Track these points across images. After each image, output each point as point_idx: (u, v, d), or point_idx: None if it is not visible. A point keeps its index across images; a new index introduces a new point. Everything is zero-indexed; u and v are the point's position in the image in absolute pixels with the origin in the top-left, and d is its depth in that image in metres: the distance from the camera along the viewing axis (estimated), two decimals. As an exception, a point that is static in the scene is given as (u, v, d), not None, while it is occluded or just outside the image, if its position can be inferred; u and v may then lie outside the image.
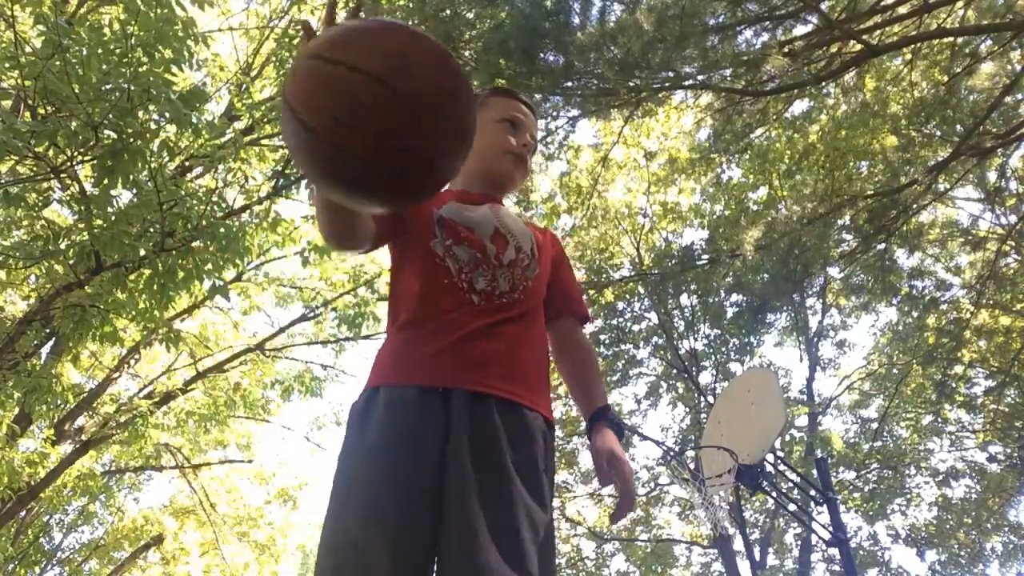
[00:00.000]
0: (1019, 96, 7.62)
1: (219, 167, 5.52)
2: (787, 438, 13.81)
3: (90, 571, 14.33)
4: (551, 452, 1.44)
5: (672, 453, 12.73)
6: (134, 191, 4.74)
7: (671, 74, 6.30)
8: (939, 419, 13.84)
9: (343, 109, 0.94)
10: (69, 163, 4.30)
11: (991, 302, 10.56)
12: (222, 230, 4.93)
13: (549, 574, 1.30)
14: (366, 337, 9.71)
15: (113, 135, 4.18)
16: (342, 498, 1.29)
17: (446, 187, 1.61)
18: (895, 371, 14.26)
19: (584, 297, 1.72)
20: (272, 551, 13.33)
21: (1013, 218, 9.61)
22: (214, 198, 5.32)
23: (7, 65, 4.14)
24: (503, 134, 1.63)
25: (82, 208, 4.51)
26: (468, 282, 1.46)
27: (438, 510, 1.25)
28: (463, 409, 1.34)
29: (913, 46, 7.31)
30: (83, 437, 9.07)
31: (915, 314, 12.11)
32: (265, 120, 6.73)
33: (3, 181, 4.46)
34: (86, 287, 4.80)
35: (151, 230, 4.86)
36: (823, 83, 7.16)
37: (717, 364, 14.24)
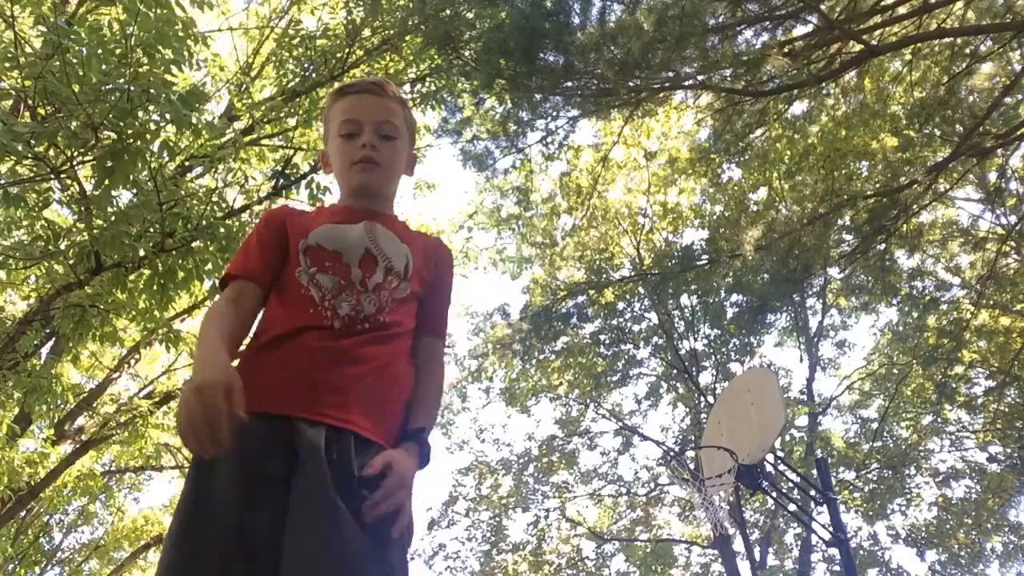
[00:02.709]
0: (1019, 96, 7.62)
1: (219, 167, 5.52)
2: (787, 438, 13.81)
3: (90, 571, 14.33)
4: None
5: (672, 453, 12.74)
6: (134, 191, 4.74)
7: (671, 74, 6.30)
8: (939, 419, 13.85)
9: None
10: (69, 164, 4.31)
11: (991, 302, 10.56)
12: (222, 230, 4.93)
13: None
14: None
15: (113, 135, 4.19)
16: (177, 532, 1.28)
17: (328, 205, 1.67)
18: (895, 371, 14.26)
19: (448, 314, 1.71)
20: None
21: (1013, 218, 9.61)
22: (214, 198, 5.32)
23: (7, 65, 4.14)
24: (345, 147, 1.64)
25: (82, 208, 4.51)
26: (332, 309, 1.45)
27: (278, 544, 1.23)
28: (306, 439, 1.30)
29: (913, 46, 7.31)
30: (83, 437, 9.06)
31: (915, 314, 12.12)
32: (265, 120, 6.73)
33: (3, 181, 4.47)
34: (86, 287, 4.80)
35: (151, 230, 4.86)
36: (823, 83, 7.16)
37: (717, 364, 14.24)
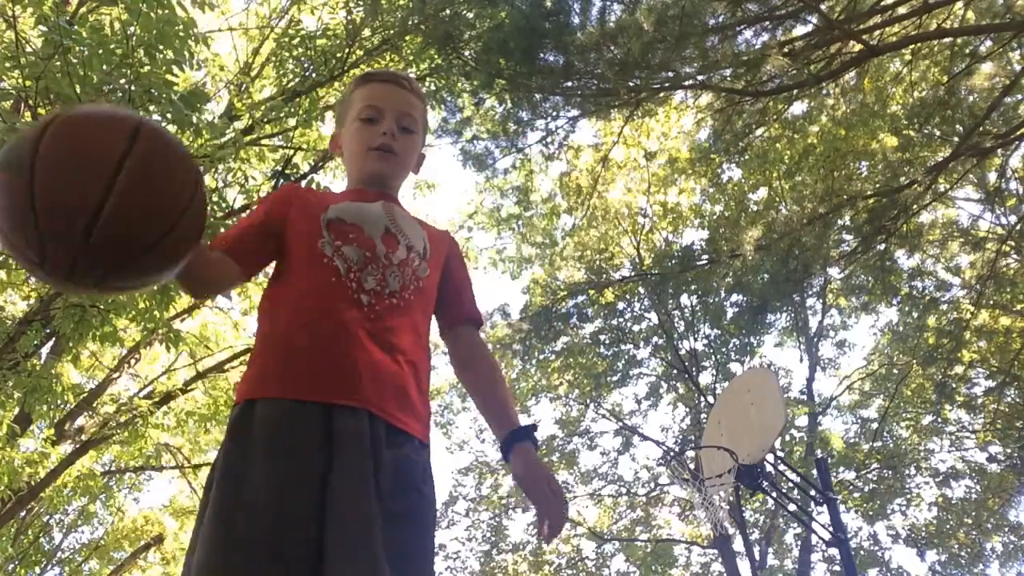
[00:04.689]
0: (1019, 96, 7.62)
1: (219, 167, 5.52)
2: (787, 438, 13.81)
3: (90, 571, 14.33)
4: (428, 471, 1.39)
5: (672, 453, 12.74)
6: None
7: (671, 74, 6.31)
8: (939, 419, 13.85)
9: None
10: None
11: (991, 302, 10.56)
12: (222, 230, 4.93)
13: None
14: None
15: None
16: (218, 523, 1.20)
17: (342, 188, 1.69)
18: (895, 371, 14.26)
19: (476, 299, 1.70)
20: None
21: (1013, 218, 9.62)
22: (214, 198, 5.32)
23: (7, 65, 4.14)
24: (363, 131, 1.62)
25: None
26: (357, 281, 1.42)
27: (320, 531, 1.19)
28: (346, 427, 1.27)
29: (913, 46, 7.31)
30: (83, 437, 9.06)
31: (915, 314, 12.11)
32: (265, 120, 6.74)
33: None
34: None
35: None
36: (823, 83, 7.16)
37: (717, 364, 14.24)
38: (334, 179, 8.36)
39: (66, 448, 8.69)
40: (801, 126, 9.74)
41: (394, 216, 1.56)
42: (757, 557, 13.64)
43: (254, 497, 1.21)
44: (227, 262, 1.45)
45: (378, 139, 1.60)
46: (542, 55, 6.21)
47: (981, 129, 6.89)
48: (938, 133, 7.60)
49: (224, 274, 1.46)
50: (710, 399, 13.07)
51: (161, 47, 4.27)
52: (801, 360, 15.55)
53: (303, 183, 6.52)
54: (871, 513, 14.30)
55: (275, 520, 1.19)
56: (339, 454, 1.25)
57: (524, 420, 1.53)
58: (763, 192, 12.12)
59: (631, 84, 6.11)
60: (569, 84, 6.60)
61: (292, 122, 6.65)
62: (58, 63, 3.91)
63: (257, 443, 1.27)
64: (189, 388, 9.70)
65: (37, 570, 13.36)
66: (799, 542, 14.06)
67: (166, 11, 4.30)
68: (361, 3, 7.09)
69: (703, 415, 13.11)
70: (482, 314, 1.69)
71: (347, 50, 7.08)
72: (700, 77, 6.40)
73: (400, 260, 1.48)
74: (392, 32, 7.21)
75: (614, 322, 13.95)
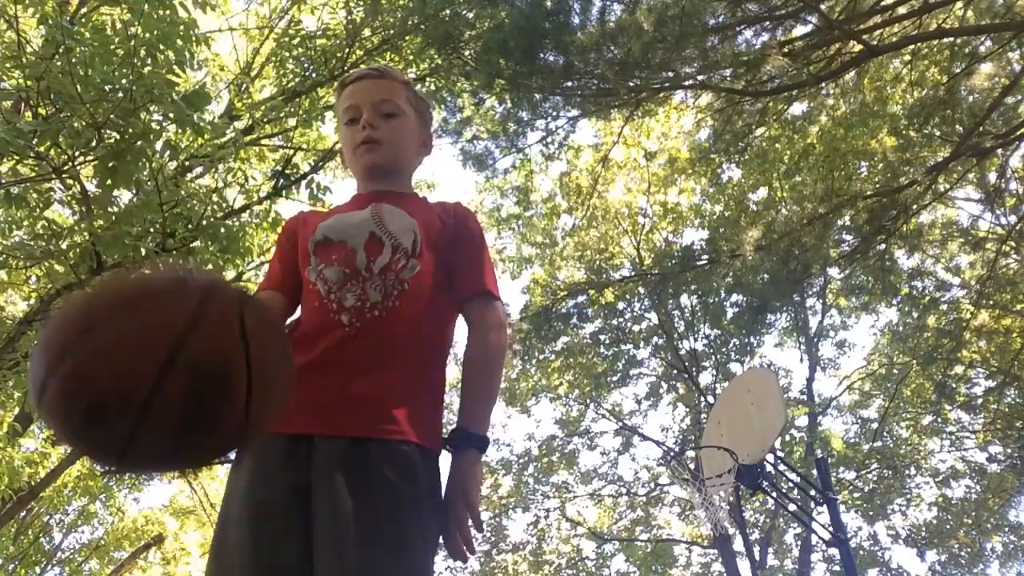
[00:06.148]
0: (1019, 96, 7.63)
1: (219, 167, 5.53)
2: (787, 438, 13.82)
3: (90, 571, 14.35)
4: (428, 479, 1.37)
5: (672, 453, 12.74)
6: (136, 191, 4.75)
7: (671, 74, 6.31)
8: (939, 419, 13.85)
9: None
10: (71, 163, 4.31)
11: (991, 302, 10.56)
12: (222, 230, 4.93)
13: None
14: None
15: (116, 135, 4.19)
16: (214, 556, 1.31)
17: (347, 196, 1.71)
18: (895, 371, 14.27)
19: (489, 271, 1.62)
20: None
21: (1013, 218, 9.61)
22: (214, 198, 5.33)
23: (8, 65, 4.15)
24: (347, 133, 1.65)
25: (83, 208, 4.52)
26: (337, 302, 1.42)
27: (300, 545, 1.25)
28: (326, 457, 1.29)
29: (913, 46, 7.32)
30: (83, 437, 9.05)
31: (915, 314, 12.11)
32: (265, 120, 6.74)
33: (4, 181, 4.47)
34: (87, 287, 4.79)
35: (152, 230, 4.86)
36: (823, 83, 7.17)
37: (717, 364, 14.25)
38: (334, 179, 8.36)
39: (66, 448, 8.69)
40: (801, 126, 9.75)
41: (381, 218, 1.52)
42: (757, 557, 13.65)
43: (236, 539, 1.29)
44: (277, 298, 1.56)
45: (359, 135, 1.61)
46: (542, 55, 6.22)
47: (981, 129, 6.89)
48: (938, 133, 7.60)
49: (273, 298, 1.57)
50: (710, 399, 13.08)
51: (163, 47, 4.27)
52: (801, 360, 15.57)
53: (303, 183, 6.51)
54: (871, 513, 14.31)
55: (249, 531, 1.27)
56: (316, 487, 1.29)
57: (481, 423, 1.44)
58: (763, 192, 12.12)
59: (631, 84, 6.12)
60: (569, 84, 6.60)
61: (292, 122, 6.65)
62: (59, 63, 3.91)
63: (247, 478, 1.35)
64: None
65: (37, 570, 13.36)
66: (799, 542, 14.07)
67: (168, 11, 4.31)
68: (361, 3, 7.09)
69: (703, 415, 13.11)
70: (491, 284, 1.59)
71: (347, 50, 7.08)
72: (700, 77, 6.41)
73: (382, 267, 1.45)
74: (392, 32, 7.22)
75: (614, 322, 13.96)
